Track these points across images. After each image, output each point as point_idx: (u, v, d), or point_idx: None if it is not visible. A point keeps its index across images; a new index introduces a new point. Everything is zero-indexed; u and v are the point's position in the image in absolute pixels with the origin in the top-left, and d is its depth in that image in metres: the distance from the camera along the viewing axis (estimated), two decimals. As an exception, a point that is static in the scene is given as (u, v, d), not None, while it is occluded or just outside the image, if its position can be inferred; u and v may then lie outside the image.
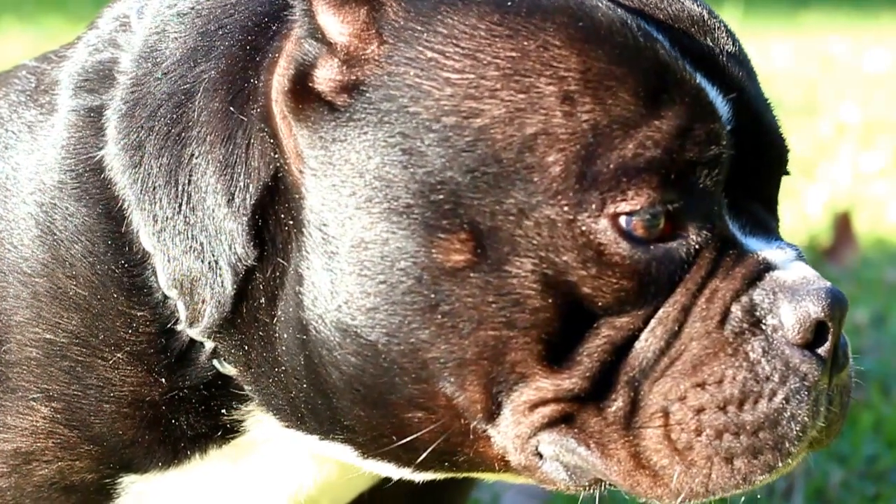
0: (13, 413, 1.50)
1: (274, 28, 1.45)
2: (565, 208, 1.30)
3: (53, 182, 1.49)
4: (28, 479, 1.52)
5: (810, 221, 4.47)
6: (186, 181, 1.43)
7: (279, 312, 1.41)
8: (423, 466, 1.41)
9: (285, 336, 1.40)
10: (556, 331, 1.30)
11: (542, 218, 1.30)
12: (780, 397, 1.31)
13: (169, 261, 1.44)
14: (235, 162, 1.41)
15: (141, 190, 1.45)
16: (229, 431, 1.51)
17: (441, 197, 1.31)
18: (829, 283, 1.35)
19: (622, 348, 1.32)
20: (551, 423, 1.33)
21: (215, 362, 1.47)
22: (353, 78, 1.35)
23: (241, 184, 1.41)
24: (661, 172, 1.30)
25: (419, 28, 1.35)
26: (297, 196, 1.38)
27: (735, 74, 1.40)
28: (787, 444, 1.32)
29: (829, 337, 1.33)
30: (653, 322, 1.32)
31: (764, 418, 1.31)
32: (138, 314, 1.46)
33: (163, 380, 1.47)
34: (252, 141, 1.41)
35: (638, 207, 1.29)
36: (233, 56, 1.45)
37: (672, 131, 1.31)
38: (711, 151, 1.32)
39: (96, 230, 1.47)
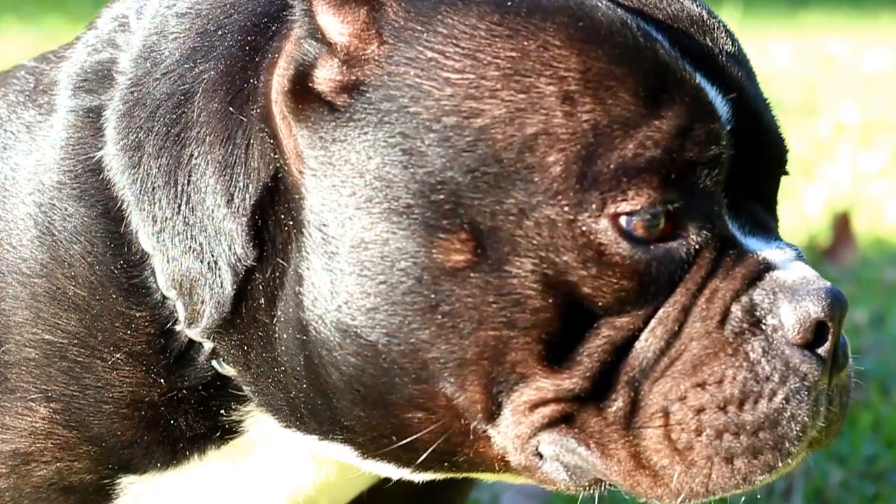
0: (12, 414, 1.49)
1: (273, 28, 1.45)
2: (566, 208, 1.30)
3: (52, 182, 1.49)
4: (27, 479, 1.52)
5: (810, 221, 4.47)
6: (186, 182, 1.43)
7: (279, 313, 1.41)
8: (422, 467, 1.41)
9: (285, 336, 1.40)
10: (556, 331, 1.30)
11: (542, 218, 1.30)
12: (780, 397, 1.31)
13: (168, 261, 1.44)
14: (235, 162, 1.41)
15: (140, 190, 1.45)
16: (228, 432, 1.51)
17: (441, 197, 1.31)
18: (828, 283, 1.35)
19: (622, 348, 1.32)
20: (551, 424, 1.33)
21: (214, 363, 1.47)
22: (354, 78, 1.35)
23: (241, 184, 1.41)
24: (662, 172, 1.30)
25: (419, 28, 1.34)
26: (296, 196, 1.38)
27: (734, 74, 1.40)
28: (787, 444, 1.32)
29: (829, 337, 1.33)
30: (653, 322, 1.32)
31: (764, 418, 1.31)
32: (137, 315, 1.46)
33: (162, 380, 1.47)
34: (252, 141, 1.41)
35: (638, 207, 1.29)
36: (232, 56, 1.45)
37: (672, 131, 1.31)
38: (711, 151, 1.32)
39: (95, 231, 1.47)
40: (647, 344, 1.32)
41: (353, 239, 1.34)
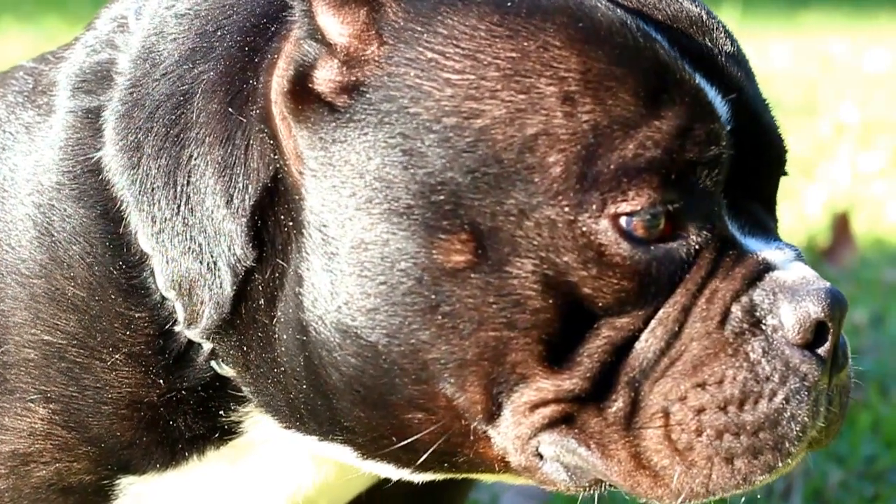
0: (11, 414, 1.49)
1: (273, 29, 1.44)
2: (566, 209, 1.30)
3: (51, 183, 1.49)
4: (26, 480, 1.52)
5: (809, 221, 4.47)
6: (185, 182, 1.43)
7: (278, 313, 1.40)
8: (422, 467, 1.41)
9: (285, 337, 1.40)
10: (556, 331, 1.30)
11: (542, 218, 1.30)
12: (780, 397, 1.31)
13: (167, 262, 1.44)
14: (234, 163, 1.41)
15: (139, 191, 1.45)
16: (227, 433, 1.51)
17: (441, 198, 1.31)
18: (828, 284, 1.35)
19: (622, 349, 1.32)
20: (552, 424, 1.33)
21: (213, 363, 1.47)
22: (353, 79, 1.35)
23: (241, 185, 1.41)
24: (662, 172, 1.30)
25: (419, 29, 1.34)
26: (296, 197, 1.38)
27: (734, 74, 1.40)
28: (787, 445, 1.32)
29: (829, 337, 1.33)
30: (653, 322, 1.32)
31: (764, 418, 1.31)
32: (136, 315, 1.46)
33: (161, 381, 1.47)
34: (251, 142, 1.41)
35: (638, 208, 1.29)
36: (231, 57, 1.44)
37: (672, 131, 1.31)
38: (711, 151, 1.32)
39: (94, 231, 1.47)
40: (647, 344, 1.32)
41: (354, 240, 1.34)
